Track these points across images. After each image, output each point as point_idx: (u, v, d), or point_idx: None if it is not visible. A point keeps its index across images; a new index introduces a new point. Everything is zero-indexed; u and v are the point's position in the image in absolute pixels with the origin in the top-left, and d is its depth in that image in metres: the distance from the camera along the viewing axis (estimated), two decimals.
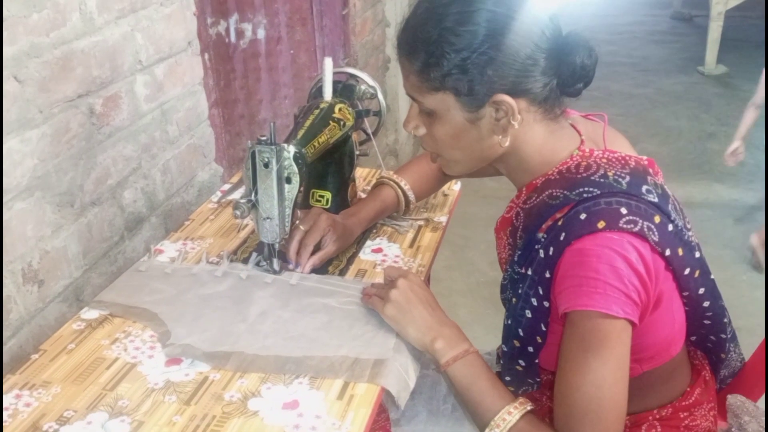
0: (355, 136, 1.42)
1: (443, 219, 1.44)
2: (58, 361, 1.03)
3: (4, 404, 0.94)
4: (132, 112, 1.35)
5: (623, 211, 0.92)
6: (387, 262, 1.28)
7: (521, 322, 1.01)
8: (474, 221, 3.07)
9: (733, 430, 1.17)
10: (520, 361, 1.05)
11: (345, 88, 1.39)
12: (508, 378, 1.10)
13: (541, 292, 0.98)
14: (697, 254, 1.02)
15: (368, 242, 1.35)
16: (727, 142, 3.03)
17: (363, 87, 1.40)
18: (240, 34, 1.97)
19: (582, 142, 1.03)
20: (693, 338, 1.12)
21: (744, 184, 3.51)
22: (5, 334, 1.08)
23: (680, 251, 0.98)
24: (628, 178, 0.96)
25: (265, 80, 2.16)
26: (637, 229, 0.92)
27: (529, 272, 0.99)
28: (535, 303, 0.99)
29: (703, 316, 1.07)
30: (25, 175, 1.09)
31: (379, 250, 1.32)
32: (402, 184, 1.38)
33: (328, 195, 1.39)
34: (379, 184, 1.40)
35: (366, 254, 1.31)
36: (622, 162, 0.99)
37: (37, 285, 1.14)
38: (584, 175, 0.97)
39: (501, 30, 0.93)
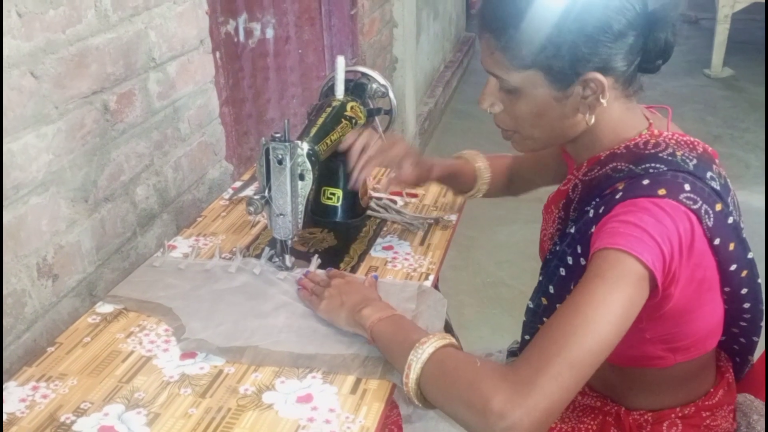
0: None
1: (453, 218, 1.45)
2: (74, 354, 1.04)
3: (21, 395, 0.95)
4: (145, 109, 1.36)
5: (687, 187, 0.91)
6: (398, 259, 1.29)
7: (553, 279, 1.00)
8: (480, 222, 3.07)
9: (741, 428, 1.17)
10: (544, 319, 1.03)
11: (357, 87, 1.39)
12: (527, 336, 1.07)
13: (579, 250, 0.96)
14: (750, 255, 1.00)
15: (379, 239, 1.35)
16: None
17: (374, 86, 1.41)
18: (249, 33, 1.98)
19: (650, 124, 1.02)
20: (723, 338, 1.10)
21: (750, 186, 3.51)
22: (19, 327, 1.09)
23: (732, 246, 0.96)
24: (695, 161, 0.95)
25: (273, 80, 2.17)
26: (695, 207, 0.90)
27: (572, 230, 0.98)
28: (570, 261, 0.97)
29: (741, 317, 1.06)
30: (40, 170, 1.10)
31: (389, 248, 1.33)
32: (479, 162, 1.36)
33: (339, 192, 1.40)
34: (456, 157, 1.38)
35: (377, 251, 1.32)
36: (691, 145, 0.98)
37: (51, 279, 1.15)
38: (652, 151, 0.96)
39: (595, 4, 0.90)
